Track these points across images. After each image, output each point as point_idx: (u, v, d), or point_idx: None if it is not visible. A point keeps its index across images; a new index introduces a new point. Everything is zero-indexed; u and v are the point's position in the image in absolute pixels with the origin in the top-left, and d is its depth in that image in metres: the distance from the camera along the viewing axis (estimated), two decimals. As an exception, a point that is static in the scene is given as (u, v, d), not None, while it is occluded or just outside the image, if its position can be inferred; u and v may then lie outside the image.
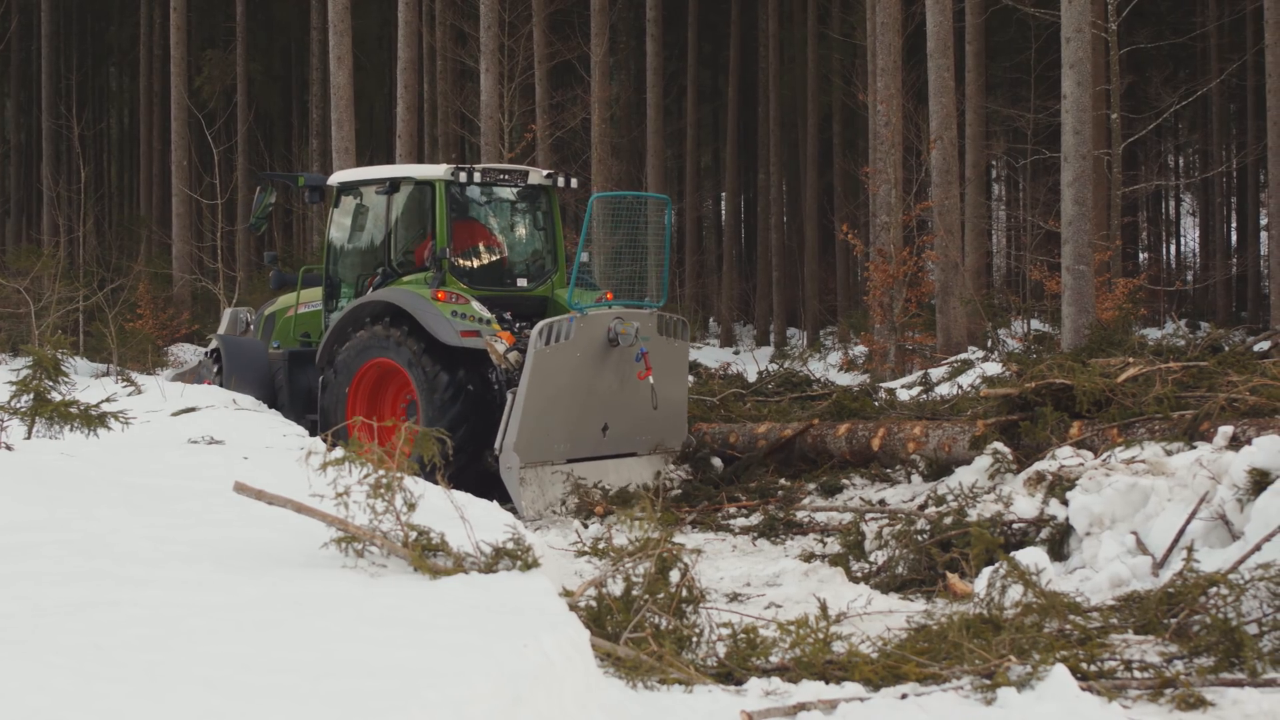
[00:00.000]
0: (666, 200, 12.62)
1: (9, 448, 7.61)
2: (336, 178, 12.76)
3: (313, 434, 10.88)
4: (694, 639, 5.68)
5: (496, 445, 10.66)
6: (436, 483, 6.20)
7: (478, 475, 10.67)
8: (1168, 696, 5.12)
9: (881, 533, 8.50)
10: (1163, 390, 9.46)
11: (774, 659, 5.53)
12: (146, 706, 3.52)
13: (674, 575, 5.82)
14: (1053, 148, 21.77)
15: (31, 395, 8.71)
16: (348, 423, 10.96)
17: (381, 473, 5.54)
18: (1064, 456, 8.72)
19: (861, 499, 10.43)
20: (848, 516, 9.44)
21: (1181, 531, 7.14)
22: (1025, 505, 8.17)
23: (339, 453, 5.57)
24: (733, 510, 10.58)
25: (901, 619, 6.57)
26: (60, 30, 43.16)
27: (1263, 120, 26.52)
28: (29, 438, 8.56)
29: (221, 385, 12.44)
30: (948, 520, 8.16)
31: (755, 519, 10.23)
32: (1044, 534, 7.88)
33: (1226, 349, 12.06)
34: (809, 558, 8.51)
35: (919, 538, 8.06)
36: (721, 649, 5.67)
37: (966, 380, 14.57)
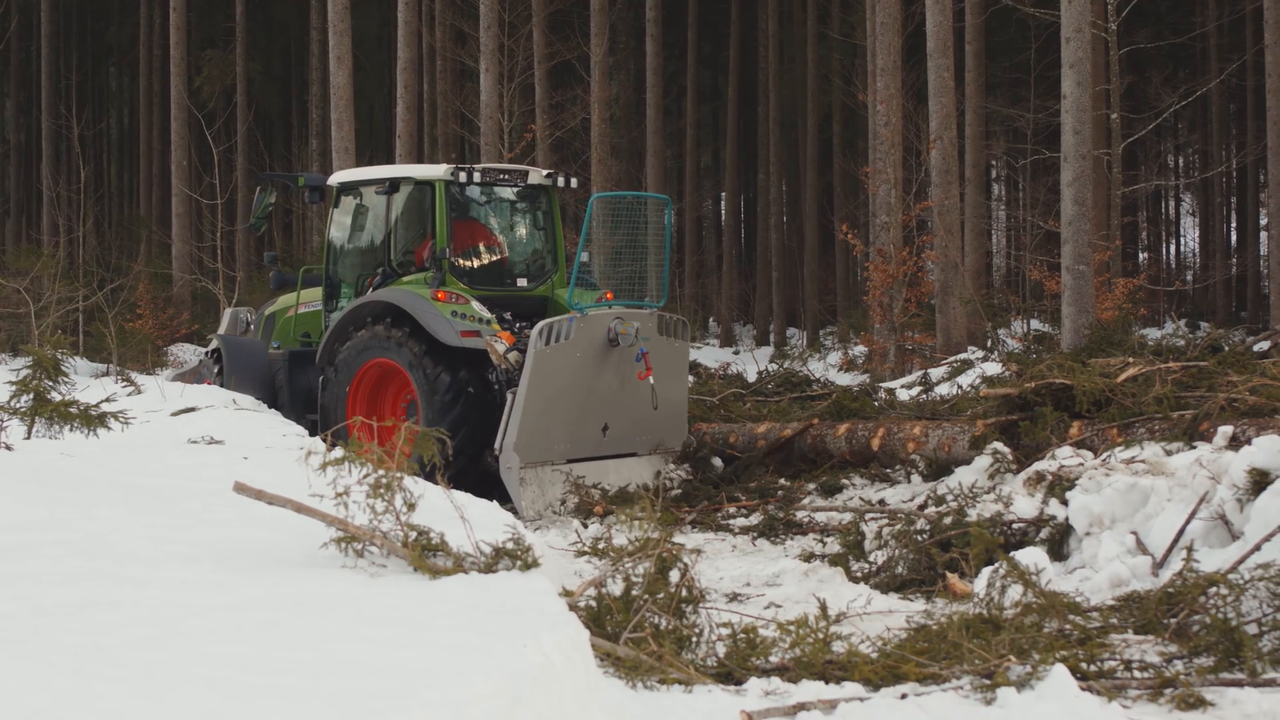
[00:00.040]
0: (667, 200, 12.62)
1: (9, 448, 7.61)
2: (336, 178, 12.76)
3: (313, 434, 10.87)
4: (694, 639, 5.68)
5: (496, 445, 10.66)
6: (436, 483, 6.20)
7: (478, 475, 10.68)
8: (1167, 696, 5.12)
9: (881, 533, 8.50)
10: (1162, 390, 9.47)
11: (774, 659, 5.53)
12: (146, 706, 3.52)
13: (674, 575, 5.82)
14: (1052, 148, 21.77)
15: (31, 395, 8.71)
16: (348, 423, 10.96)
17: (381, 473, 5.54)
18: (1064, 456, 8.72)
19: (861, 499, 10.43)
20: (847, 516, 9.44)
21: (1181, 531, 7.14)
22: (1025, 505, 8.17)
23: (339, 453, 5.57)
24: (732, 510, 10.58)
25: (901, 619, 6.57)
26: (60, 30, 43.16)
27: (1262, 120, 26.53)
28: (29, 438, 8.56)
29: (222, 385, 12.44)
30: (947, 520, 8.16)
31: (755, 519, 10.23)
32: (1044, 534, 7.88)
33: (1226, 349, 12.06)
34: (809, 558, 8.52)
35: (919, 538, 8.07)
36: (721, 649, 5.67)
37: (966, 380, 14.57)
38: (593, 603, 5.67)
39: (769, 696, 5.15)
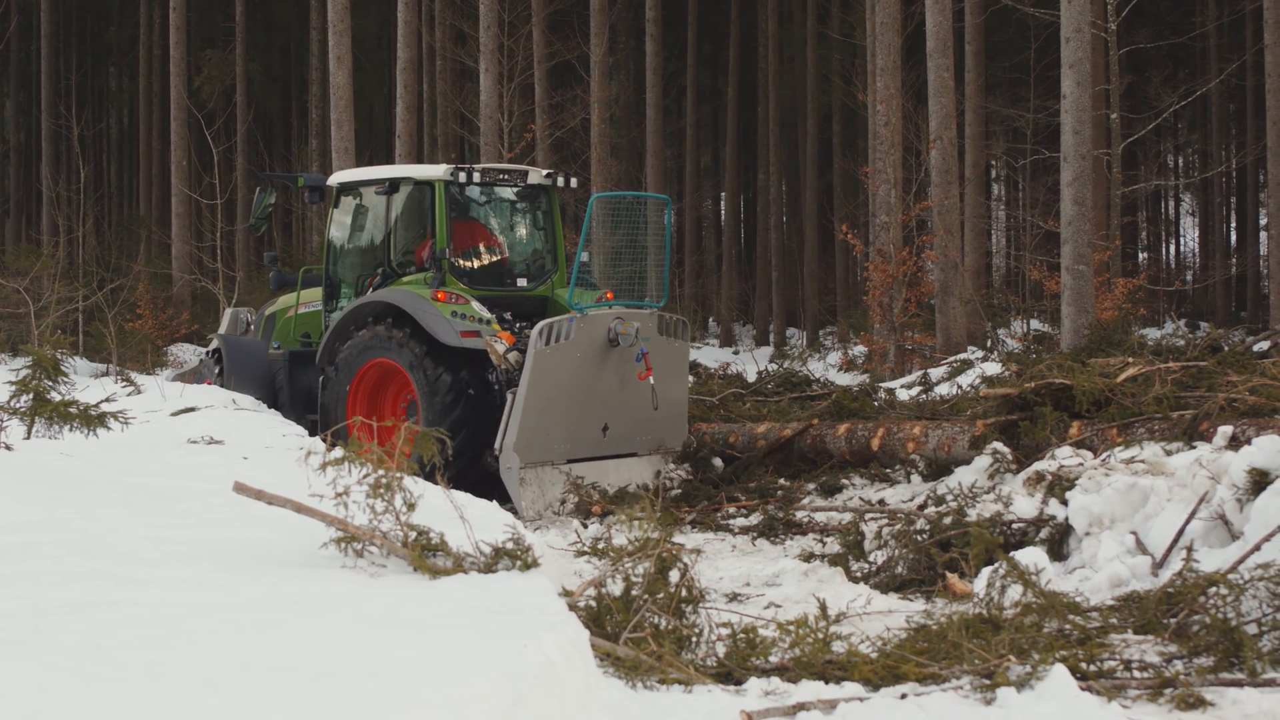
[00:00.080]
0: (667, 200, 12.62)
1: (9, 448, 7.61)
2: (336, 178, 12.76)
3: (313, 434, 10.87)
4: (693, 639, 5.68)
5: (496, 445, 10.66)
6: (436, 483, 6.20)
7: (478, 476, 10.68)
8: (1167, 696, 5.12)
9: (881, 533, 8.50)
10: (1162, 390, 9.47)
11: (773, 659, 5.53)
12: (146, 706, 3.52)
13: (673, 575, 5.82)
14: (1052, 148, 21.77)
15: (31, 395, 8.71)
16: (348, 423, 10.96)
17: (381, 473, 5.54)
18: (1063, 456, 8.72)
19: (861, 499, 10.43)
20: (847, 516, 9.44)
21: (1181, 531, 7.14)
22: (1025, 505, 8.17)
23: (338, 453, 5.57)
24: (732, 510, 10.58)
25: (901, 619, 6.57)
26: (60, 30, 43.16)
27: (1262, 120, 26.53)
28: (28, 438, 8.56)
29: (223, 385, 12.44)
30: (947, 520, 8.16)
31: (755, 519, 10.23)
32: (1043, 534, 7.89)
33: (1226, 349, 12.06)
34: (808, 558, 8.52)
35: (918, 538, 8.07)
36: (721, 649, 5.67)
37: (966, 380, 14.57)
38: (592, 603, 5.67)
39: (769, 696, 5.15)
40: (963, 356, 17.26)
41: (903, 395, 14.82)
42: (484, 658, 4.10)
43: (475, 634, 4.40)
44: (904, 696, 5.06)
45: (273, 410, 11.91)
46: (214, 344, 13.27)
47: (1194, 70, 33.45)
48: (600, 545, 6.23)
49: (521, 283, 12.30)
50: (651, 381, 11.20)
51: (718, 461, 11.82)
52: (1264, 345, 14.27)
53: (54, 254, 26.36)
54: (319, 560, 5.48)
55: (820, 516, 9.94)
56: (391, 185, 12.06)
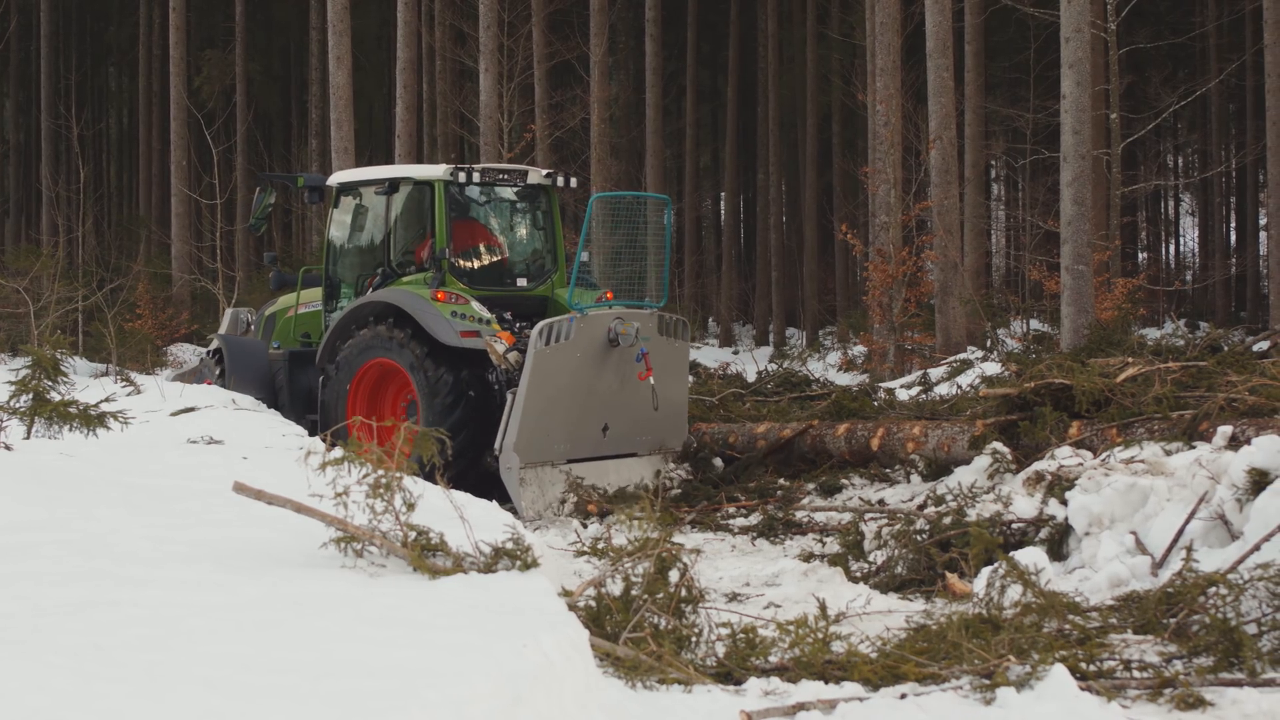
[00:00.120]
0: (667, 200, 12.62)
1: (8, 448, 7.61)
2: (336, 178, 12.76)
3: (312, 434, 10.88)
4: (693, 639, 5.68)
5: (496, 445, 10.66)
6: (436, 483, 6.20)
7: (477, 476, 10.68)
8: (1167, 696, 5.12)
9: (881, 533, 8.50)
10: (1162, 390, 9.47)
11: (773, 659, 5.53)
12: (146, 706, 3.52)
13: (673, 575, 5.82)
14: (1052, 148, 21.78)
15: (31, 395, 8.71)
16: (347, 422, 10.96)
17: (381, 473, 5.54)
18: (1063, 456, 8.72)
19: (860, 499, 10.43)
20: (847, 516, 9.44)
21: (1180, 531, 7.15)
22: (1024, 505, 8.18)
23: (338, 453, 5.57)
24: (732, 510, 10.58)
25: (901, 619, 6.57)
26: (59, 30, 43.15)
27: (1262, 120, 26.53)
28: (28, 438, 8.56)
29: (223, 385, 12.45)
30: (947, 520, 8.16)
31: (754, 519, 10.23)
32: (1043, 534, 7.89)
33: (1225, 349, 12.07)
34: (808, 558, 8.52)
35: (918, 538, 8.07)
36: (721, 649, 5.67)
37: (966, 380, 14.57)
38: (592, 603, 5.67)
39: (768, 696, 5.15)
40: (962, 356, 17.26)
41: (902, 395, 14.82)
42: (484, 658, 4.11)
43: (475, 634, 4.40)
44: (904, 696, 5.06)
45: (273, 410, 11.92)
46: (214, 344, 13.28)
47: (1194, 70, 33.45)
48: (600, 545, 6.23)
49: (521, 283, 12.30)
50: (652, 382, 11.20)
51: (718, 461, 11.82)
52: (1264, 345, 14.27)
53: (54, 254, 26.35)
54: (319, 560, 5.48)
55: (820, 516, 9.94)
56: (391, 185, 12.06)
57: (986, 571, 6.40)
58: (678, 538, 9.15)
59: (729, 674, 5.43)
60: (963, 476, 9.48)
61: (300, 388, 12.39)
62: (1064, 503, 7.94)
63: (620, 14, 35.63)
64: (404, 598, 4.95)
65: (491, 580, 5.29)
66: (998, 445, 9.46)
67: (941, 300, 20.16)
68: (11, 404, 8.67)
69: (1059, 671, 4.96)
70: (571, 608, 5.34)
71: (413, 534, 5.50)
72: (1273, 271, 23.72)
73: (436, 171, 11.86)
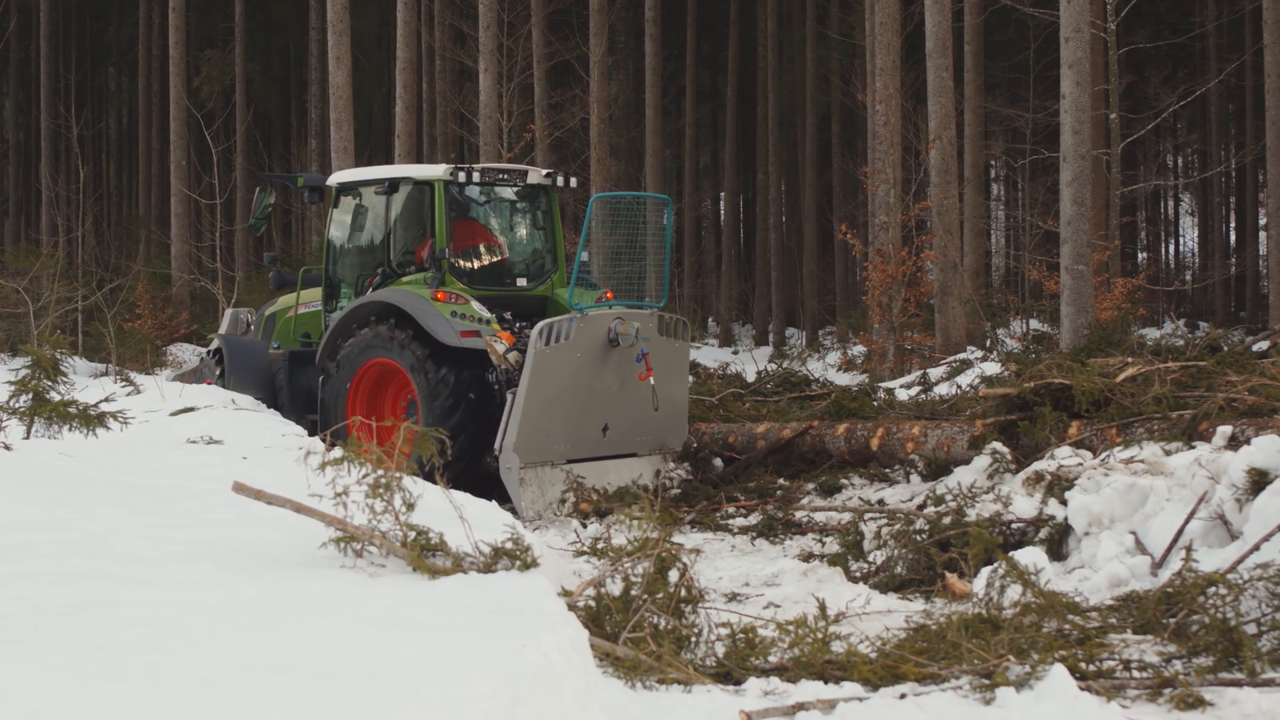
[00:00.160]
0: (667, 200, 12.62)
1: (8, 447, 7.61)
2: (335, 178, 12.76)
3: (312, 434, 10.88)
4: (693, 639, 5.68)
5: (496, 445, 10.66)
6: (435, 483, 6.20)
7: (477, 477, 10.68)
8: (1166, 696, 5.12)
9: (880, 532, 8.50)
10: (1161, 390, 9.47)
11: (772, 659, 5.53)
12: (146, 706, 3.52)
13: (673, 575, 5.82)
14: (1051, 147, 21.78)
15: (30, 395, 8.71)
16: (347, 422, 10.96)
17: (380, 473, 5.54)
18: (1063, 456, 8.72)
19: (860, 499, 10.43)
20: (846, 516, 9.44)
21: (1180, 531, 7.15)
22: (1024, 505, 8.18)
23: (337, 453, 5.57)
24: (731, 510, 10.58)
25: (900, 619, 6.58)
26: (59, 30, 43.15)
27: (1261, 120, 26.54)
28: (28, 437, 8.57)
29: (223, 385, 12.45)
30: (946, 520, 8.16)
31: (754, 519, 10.23)
32: (1043, 534, 7.89)
33: (1225, 349, 12.07)
34: (808, 558, 8.52)
35: (918, 538, 8.07)
36: (720, 649, 5.67)
37: (965, 380, 14.58)
38: (592, 603, 5.67)
39: (768, 696, 5.15)
40: (962, 356, 17.27)
41: (902, 395, 14.82)
42: (483, 658, 4.11)
43: (475, 634, 4.40)
44: (903, 696, 5.07)
45: (272, 410, 11.92)
46: (214, 344, 13.28)
47: (1193, 70, 33.46)
48: (599, 545, 6.23)
49: (521, 282, 12.30)
50: (652, 382, 11.20)
51: (717, 461, 11.82)
52: (1263, 345, 14.28)
53: (53, 254, 26.35)
54: (318, 560, 5.48)
55: (819, 516, 9.94)
56: (391, 185, 12.06)
57: (986, 571, 6.40)
58: (677, 538, 9.15)
59: (728, 674, 5.43)
60: (962, 476, 9.48)
61: (300, 388, 12.39)
62: (1063, 503, 7.94)
63: (620, 14, 35.63)
64: (404, 598, 4.95)
65: (491, 580, 5.29)
66: (997, 445, 9.46)
67: (941, 300, 20.17)
68: (11, 404, 8.67)
69: (1058, 671, 4.96)
70: (571, 608, 5.35)
71: (412, 534, 5.50)
72: (1272, 271, 23.73)
73: (436, 171, 11.86)
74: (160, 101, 37.39)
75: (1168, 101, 25.19)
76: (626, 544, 5.94)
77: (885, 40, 20.89)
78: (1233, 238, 40.37)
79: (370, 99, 39.46)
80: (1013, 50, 31.22)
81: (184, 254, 29.50)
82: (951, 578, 7.32)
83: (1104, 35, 21.75)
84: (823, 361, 24.18)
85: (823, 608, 5.91)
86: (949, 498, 8.79)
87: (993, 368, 14.64)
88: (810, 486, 10.99)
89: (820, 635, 5.57)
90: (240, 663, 3.92)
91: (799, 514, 10.08)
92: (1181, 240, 47.18)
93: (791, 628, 5.60)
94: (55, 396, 8.78)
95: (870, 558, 8.29)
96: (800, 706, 4.91)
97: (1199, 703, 5.05)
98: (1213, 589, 5.90)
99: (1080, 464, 8.42)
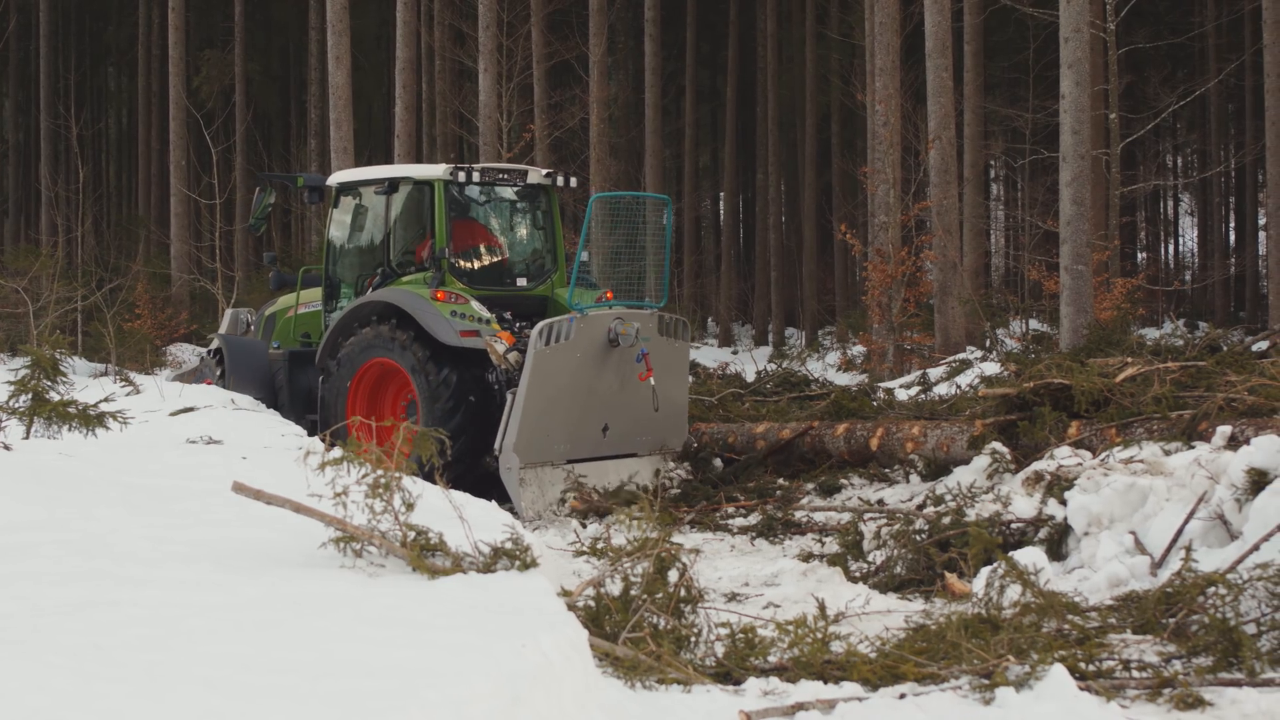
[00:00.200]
0: (667, 200, 12.61)
1: (8, 448, 7.61)
2: (335, 178, 12.76)
3: (312, 434, 10.88)
4: (692, 639, 5.68)
5: (496, 446, 10.66)
6: (435, 483, 6.20)
7: (476, 477, 10.68)
8: (1166, 696, 5.12)
9: (880, 533, 8.50)
10: (1161, 390, 9.47)
11: (772, 659, 5.53)
12: (146, 706, 3.52)
13: (672, 575, 5.82)
14: (1051, 147, 21.78)
15: (30, 395, 8.71)
16: (347, 422, 10.96)
17: (380, 473, 5.54)
18: (1062, 456, 8.72)
19: (860, 499, 10.43)
20: (846, 516, 9.44)
21: (1180, 531, 7.15)
22: (1023, 505, 8.18)
23: (337, 453, 5.57)
24: (731, 510, 10.58)
25: (900, 619, 6.58)
26: (58, 30, 43.15)
27: (1261, 120, 26.54)
28: (27, 437, 8.57)
29: (223, 385, 12.45)
30: (946, 520, 8.16)
31: (753, 519, 10.23)
32: (1042, 534, 7.89)
33: (1225, 349, 12.07)
34: (807, 558, 8.52)
35: (917, 538, 8.07)
36: (720, 649, 5.67)
37: (965, 380, 14.58)
38: (591, 603, 5.67)
39: (767, 696, 5.15)
40: (961, 356, 17.27)
41: (901, 395, 14.82)
42: (483, 658, 4.11)
43: (474, 634, 4.40)
44: (903, 696, 5.07)
45: (272, 410, 11.92)
46: (214, 344, 13.28)
47: (1193, 70, 33.47)
48: (599, 545, 6.23)
49: (521, 282, 12.30)
50: (652, 382, 11.20)
51: (717, 462, 11.82)
52: (1263, 345, 14.28)
53: (53, 254, 26.34)
54: (318, 560, 5.48)
55: (819, 516, 9.94)
56: (391, 185, 12.06)
57: (985, 571, 6.40)
58: (677, 538, 9.16)
59: (728, 674, 5.43)
60: (962, 476, 9.48)
61: (300, 387, 12.39)
62: (1063, 503, 7.94)
63: (619, 14, 35.64)
64: (403, 598, 4.95)
65: (491, 580, 5.29)
66: (997, 445, 9.46)
67: (940, 300, 20.17)
68: (11, 404, 8.67)
69: (1058, 671, 4.97)
70: (570, 608, 5.35)
71: (412, 534, 5.50)
72: (1272, 271, 23.73)
73: (436, 171, 11.86)
74: (160, 101, 37.39)
75: (1167, 101, 25.19)
76: (626, 544, 5.94)
77: (885, 40, 20.89)
78: (1232, 238, 40.37)
79: (370, 99, 39.46)
80: (1012, 50, 31.22)
81: (184, 254, 29.49)
82: (951, 578, 7.32)
83: (1103, 35, 21.75)
84: (822, 361, 24.18)
85: (822, 608, 5.91)
86: (948, 498, 8.79)
87: (992, 368, 14.64)
88: (810, 486, 10.99)
89: (820, 635, 5.57)
90: (240, 663, 3.92)
91: (799, 514, 10.08)
92: (1181, 240, 47.19)
93: (791, 628, 5.60)
94: (55, 396, 8.78)
95: (870, 558, 8.29)
96: (800, 706, 4.91)
97: (1199, 703, 5.05)
98: (1212, 589, 5.91)
99: (1080, 464, 8.42)
